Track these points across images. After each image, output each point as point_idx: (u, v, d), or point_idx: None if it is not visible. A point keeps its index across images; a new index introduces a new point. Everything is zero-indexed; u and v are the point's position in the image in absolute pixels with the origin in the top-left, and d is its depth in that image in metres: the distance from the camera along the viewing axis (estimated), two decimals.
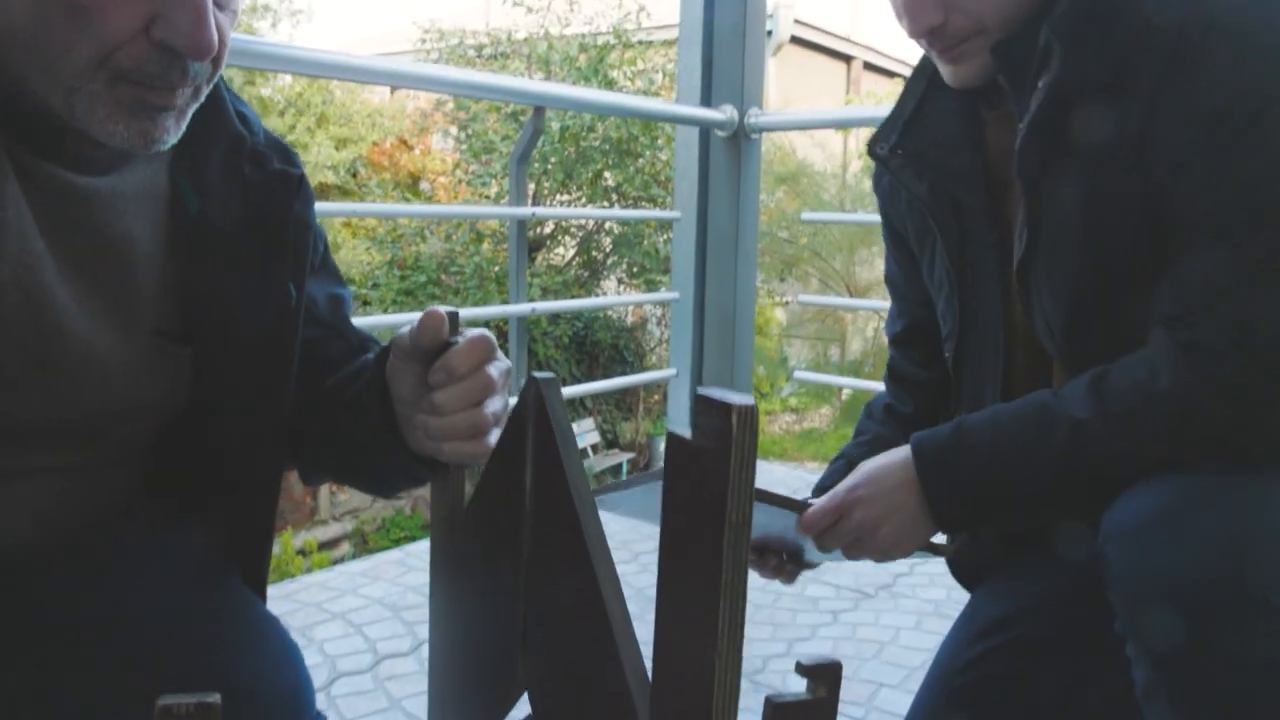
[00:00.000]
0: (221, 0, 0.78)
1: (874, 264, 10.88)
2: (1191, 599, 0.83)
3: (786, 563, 1.13)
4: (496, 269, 9.50)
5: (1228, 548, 0.83)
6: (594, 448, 12.20)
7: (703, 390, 0.49)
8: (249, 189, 0.91)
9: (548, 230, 10.13)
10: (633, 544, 2.38)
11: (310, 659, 1.71)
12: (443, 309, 0.81)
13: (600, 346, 11.79)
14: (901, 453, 1.01)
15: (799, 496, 1.05)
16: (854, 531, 1.01)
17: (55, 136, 0.79)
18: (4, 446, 0.82)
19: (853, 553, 1.03)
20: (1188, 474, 0.87)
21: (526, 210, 2.48)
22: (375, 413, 0.88)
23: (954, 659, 1.24)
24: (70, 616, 0.85)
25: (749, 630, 1.91)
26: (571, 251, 10.87)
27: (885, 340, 1.34)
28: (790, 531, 1.04)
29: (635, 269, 10.51)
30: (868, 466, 1.02)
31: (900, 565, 2.27)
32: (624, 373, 12.35)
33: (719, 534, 0.49)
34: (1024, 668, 1.15)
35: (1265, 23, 0.87)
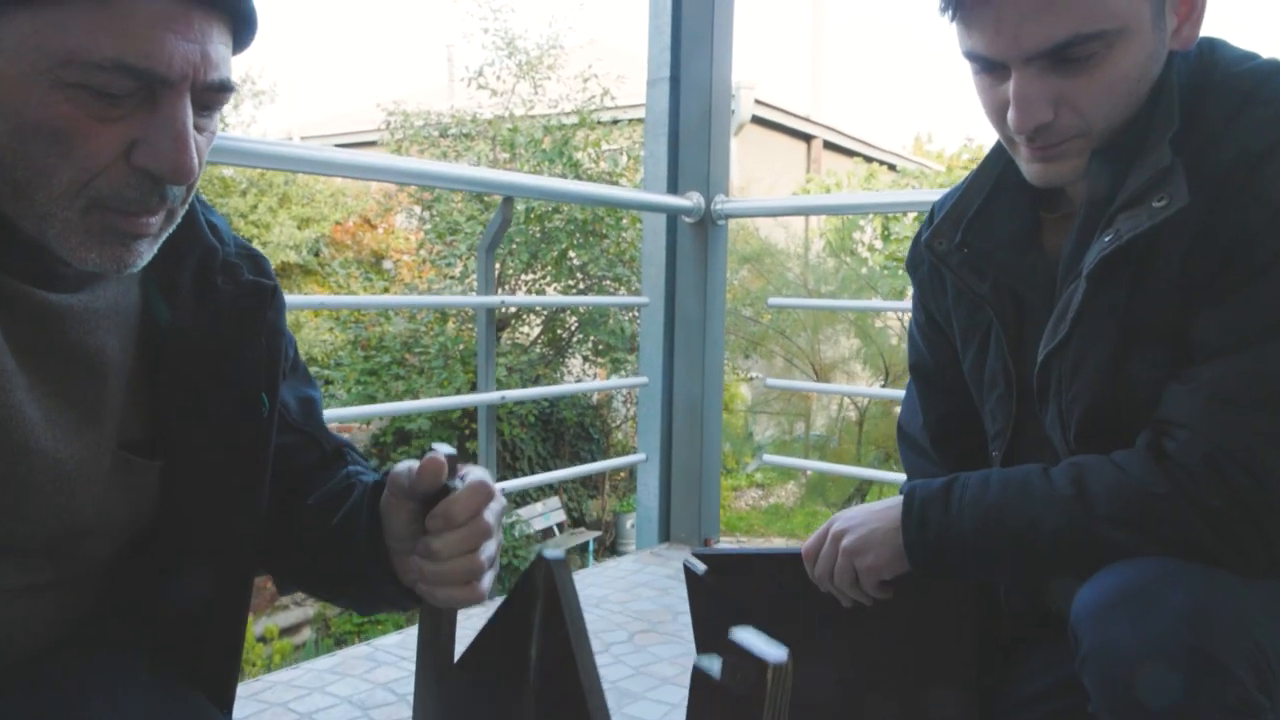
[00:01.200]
0: (200, 123, 0.79)
1: (838, 342, 10.99)
2: (1159, 673, 0.85)
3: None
4: (461, 348, 9.50)
5: (1193, 622, 0.86)
6: (560, 526, 12.11)
7: (737, 633, 0.48)
8: (221, 300, 0.91)
9: (512, 310, 10.17)
10: (603, 634, 2.36)
11: None
12: (441, 451, 0.82)
13: (566, 425, 11.75)
14: (892, 499, 1.07)
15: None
16: (839, 555, 1.07)
17: (27, 255, 0.79)
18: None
19: (840, 577, 1.08)
20: (1148, 560, 0.91)
21: (495, 299, 2.50)
22: (365, 546, 0.89)
23: None
24: None
25: None
26: (537, 329, 10.92)
27: (900, 433, 1.34)
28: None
29: (601, 347, 10.56)
30: (862, 505, 1.09)
31: None
32: (590, 450, 12.31)
33: None
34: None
35: None
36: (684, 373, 3.10)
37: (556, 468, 11.15)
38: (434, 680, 0.84)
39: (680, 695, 2.02)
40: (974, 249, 1.12)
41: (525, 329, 10.76)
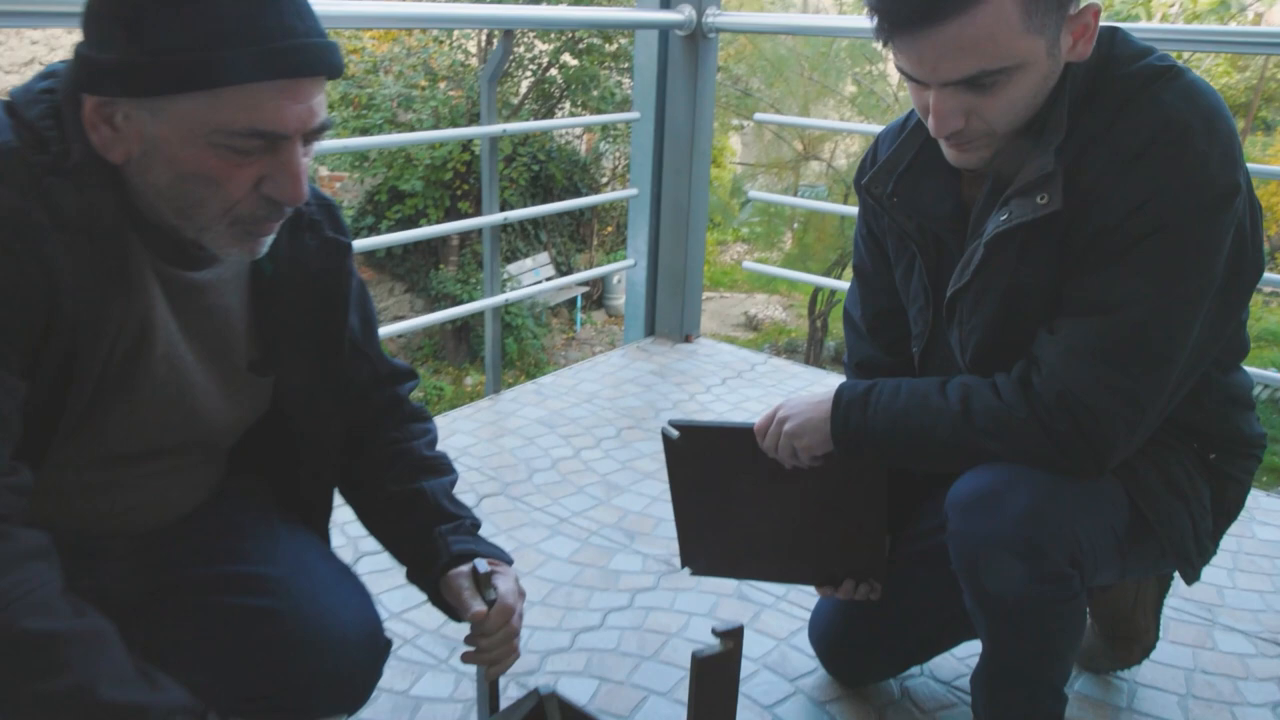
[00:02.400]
0: (305, 151, 1.01)
1: (827, 116, 10.90)
2: (998, 555, 1.20)
3: (859, 588, 1.51)
4: (450, 110, 9.44)
5: (1027, 519, 1.18)
6: (548, 279, 12.45)
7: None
8: (309, 255, 1.18)
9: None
10: (594, 429, 2.71)
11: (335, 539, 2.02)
12: (481, 568, 1.19)
13: (554, 182, 11.85)
14: (827, 392, 1.35)
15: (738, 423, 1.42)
16: (781, 435, 1.37)
17: (178, 249, 1.06)
18: (156, 459, 1.14)
19: (783, 453, 1.38)
20: (1006, 466, 1.21)
21: (497, 128, 2.66)
22: (416, 573, 1.27)
23: None
24: (199, 574, 1.18)
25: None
26: (525, 85, 10.78)
27: (846, 316, 1.61)
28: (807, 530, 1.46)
29: (592, 111, 10.48)
30: (802, 394, 1.39)
31: None
32: (578, 209, 12.48)
33: None
34: (916, 565, 1.52)
35: (1182, 165, 1.12)
36: (671, 183, 3.29)
37: (545, 223, 11.36)
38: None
39: (661, 488, 2.38)
40: (903, 198, 1.35)
41: (511, 86, 10.62)
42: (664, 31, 3.12)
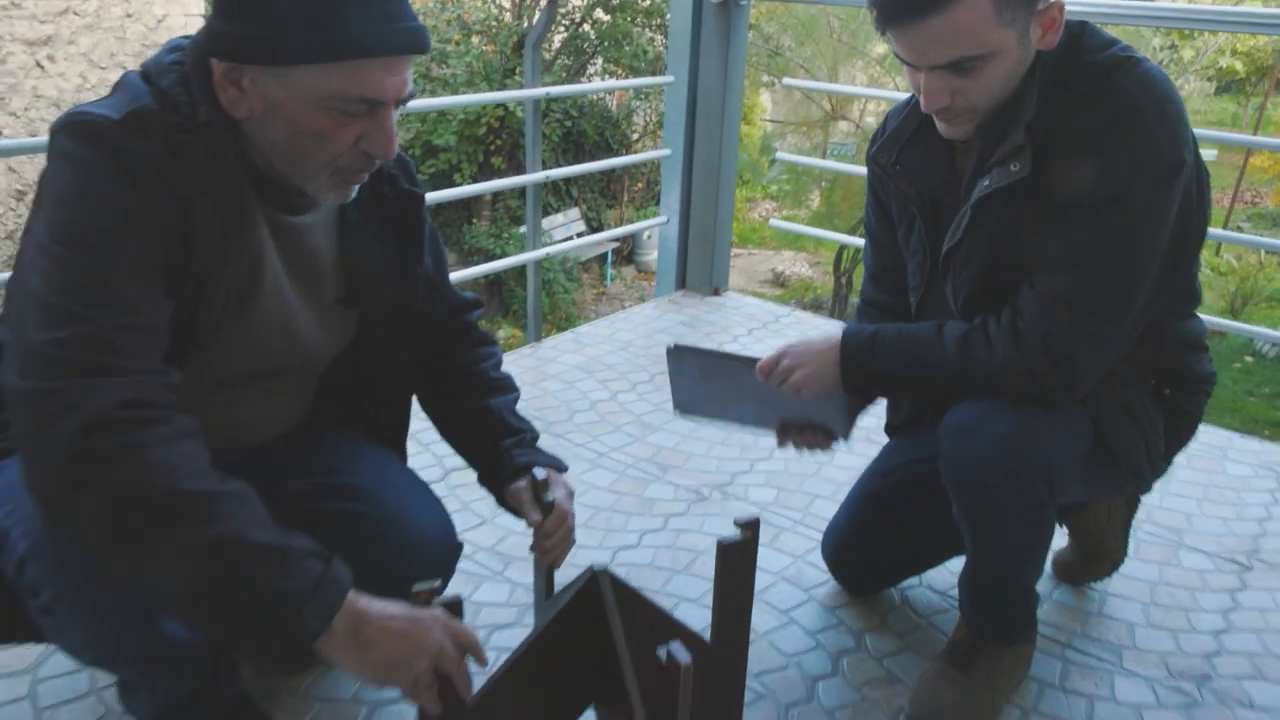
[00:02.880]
0: (397, 112, 1.22)
1: (854, 79, 10.94)
2: (981, 476, 1.43)
3: (820, 439, 1.65)
4: (484, 65, 9.59)
5: (1006, 446, 1.41)
6: (580, 235, 12.61)
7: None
8: (387, 205, 1.39)
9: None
10: (629, 374, 2.95)
11: (424, 458, 2.26)
12: (535, 481, 1.41)
13: (586, 138, 12.00)
14: (834, 334, 1.55)
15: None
16: (786, 372, 1.55)
17: (284, 196, 1.27)
18: (261, 381, 1.36)
19: (786, 388, 1.56)
20: (993, 401, 1.44)
21: (540, 90, 2.88)
22: (486, 479, 1.50)
23: (871, 480, 1.88)
24: (296, 484, 1.41)
25: (724, 450, 2.49)
26: (557, 41, 10.90)
27: (865, 266, 1.84)
28: (782, 400, 1.59)
29: (626, 74, 10.59)
30: (809, 336, 1.58)
31: None
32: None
33: None
34: (914, 489, 1.76)
35: (1138, 144, 1.33)
36: (703, 143, 3.50)
37: (577, 181, 11.52)
38: (542, 604, 1.45)
39: (691, 427, 2.63)
40: (905, 167, 1.57)
41: (544, 41, 10.75)
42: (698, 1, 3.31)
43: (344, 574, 1.11)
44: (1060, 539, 2.02)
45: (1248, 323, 10.48)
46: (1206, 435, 2.74)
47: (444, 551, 1.48)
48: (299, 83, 1.13)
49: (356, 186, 1.26)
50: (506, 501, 1.48)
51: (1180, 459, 2.54)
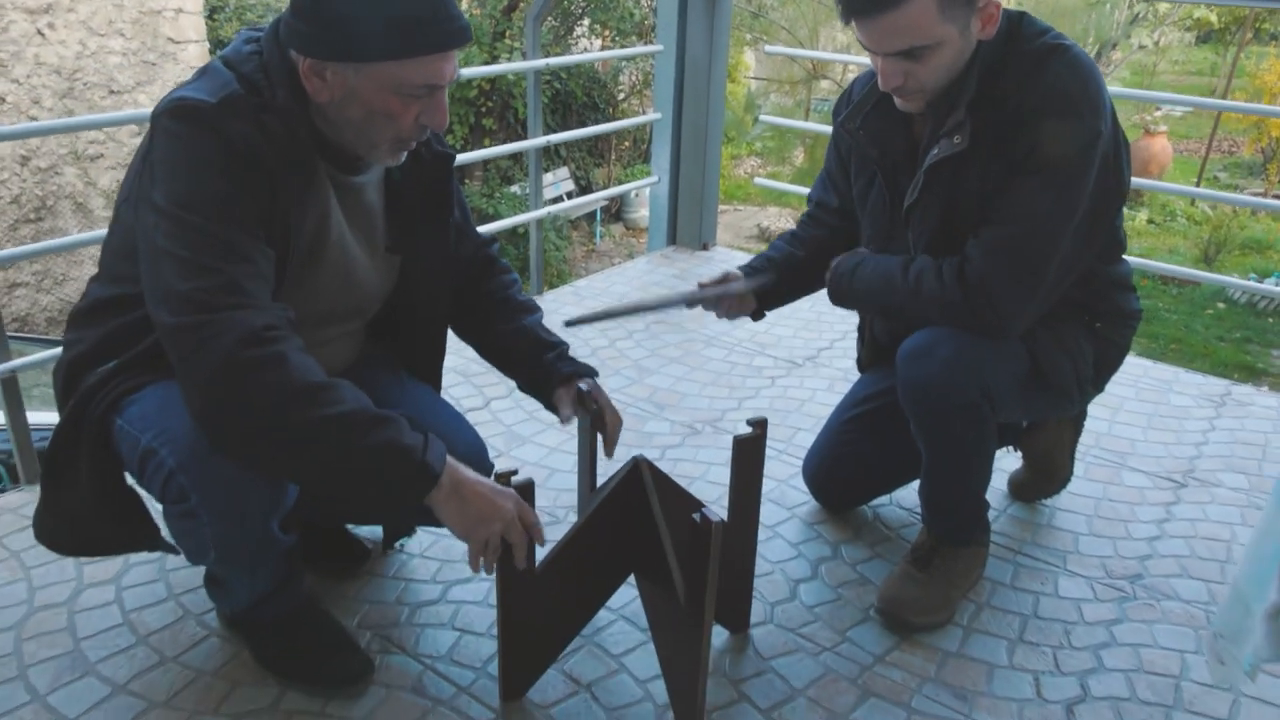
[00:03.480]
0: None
1: (835, 38, 11.07)
2: (929, 392, 1.67)
3: (739, 305, 1.94)
4: (475, 29, 9.67)
5: (949, 366, 1.65)
6: (569, 195, 12.71)
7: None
8: (425, 164, 1.61)
9: None
10: (626, 323, 3.17)
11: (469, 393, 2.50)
12: (581, 392, 1.66)
13: (574, 98, 12.11)
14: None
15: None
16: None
17: (345, 159, 1.49)
18: (328, 325, 1.59)
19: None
20: (942, 329, 1.67)
21: (540, 62, 3.07)
22: (529, 389, 1.74)
23: (844, 410, 2.12)
24: None
25: (714, 390, 2.72)
26: None
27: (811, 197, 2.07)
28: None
29: (612, 34, 10.68)
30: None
31: (822, 341, 3.09)
32: (596, 119, 12.71)
33: None
34: (883, 418, 2.00)
35: (1064, 119, 1.56)
36: (691, 107, 3.69)
37: (567, 141, 11.71)
38: (586, 493, 1.71)
39: (684, 370, 2.85)
40: (868, 132, 1.78)
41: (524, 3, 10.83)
42: None
43: (439, 439, 1.37)
44: (1015, 461, 2.27)
45: (1220, 271, 10.76)
46: (1156, 370, 2.98)
47: (479, 470, 1.71)
48: (375, 75, 1.36)
49: (408, 151, 1.49)
50: (553, 404, 1.72)
51: (1129, 391, 2.81)
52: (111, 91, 7.67)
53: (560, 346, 1.75)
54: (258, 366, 1.25)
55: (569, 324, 1.80)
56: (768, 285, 1.93)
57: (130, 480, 1.49)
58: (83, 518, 1.46)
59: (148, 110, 1.68)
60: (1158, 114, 15.37)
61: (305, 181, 1.43)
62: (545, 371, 1.71)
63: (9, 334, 2.15)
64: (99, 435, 1.41)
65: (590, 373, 1.73)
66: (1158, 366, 3.02)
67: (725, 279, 1.90)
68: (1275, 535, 1.05)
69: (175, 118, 1.32)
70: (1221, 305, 9.70)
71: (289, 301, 1.42)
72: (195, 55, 8.13)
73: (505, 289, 1.79)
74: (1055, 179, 1.58)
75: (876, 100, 1.77)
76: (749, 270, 1.97)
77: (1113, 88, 1.84)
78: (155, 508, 1.50)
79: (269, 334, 1.27)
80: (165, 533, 1.53)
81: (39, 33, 7.14)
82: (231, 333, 1.25)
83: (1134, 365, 2.99)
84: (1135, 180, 7.09)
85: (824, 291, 1.89)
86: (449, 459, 1.36)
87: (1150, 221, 12.89)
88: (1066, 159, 1.57)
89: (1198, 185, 13.86)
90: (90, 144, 7.60)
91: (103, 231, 1.66)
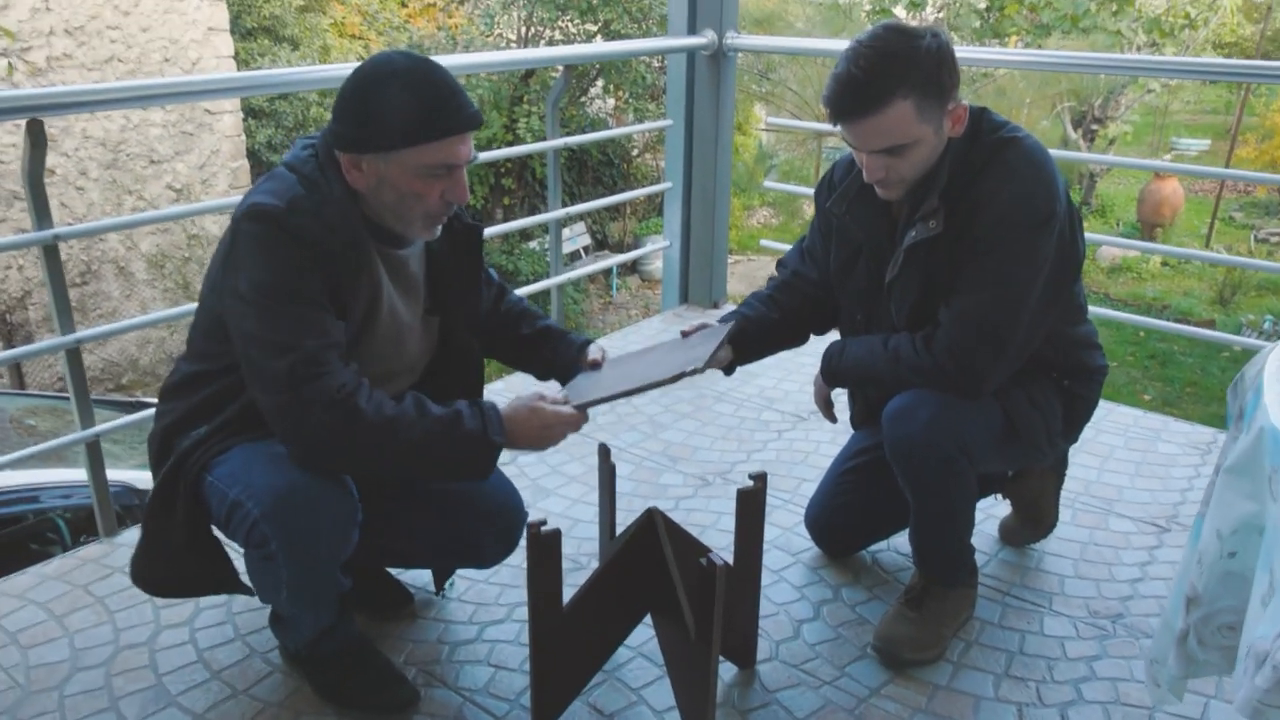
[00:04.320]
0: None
1: None
2: (911, 451, 1.87)
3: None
4: (494, 94, 10.03)
5: (929, 427, 1.84)
6: (585, 249, 13.02)
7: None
8: (458, 235, 1.84)
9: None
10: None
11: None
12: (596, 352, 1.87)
13: (589, 155, 12.48)
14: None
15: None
16: None
17: (390, 237, 1.72)
18: (385, 384, 1.77)
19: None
20: (922, 392, 1.88)
21: (560, 141, 3.33)
22: (549, 372, 1.97)
23: (841, 463, 2.32)
24: None
25: (724, 444, 2.92)
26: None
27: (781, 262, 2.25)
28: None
29: (624, 96, 11.04)
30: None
31: None
32: (611, 175, 13.06)
33: None
34: (877, 470, 2.18)
35: (1020, 201, 1.78)
36: (699, 177, 3.93)
37: (582, 194, 12.03)
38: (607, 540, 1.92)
39: (697, 425, 3.06)
40: (853, 216, 2.00)
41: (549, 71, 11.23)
42: (691, 53, 3.75)
43: (489, 403, 1.69)
44: (1005, 508, 2.46)
45: (1236, 313, 10.91)
46: (1146, 420, 3.16)
47: (516, 518, 1.94)
48: (400, 161, 1.60)
49: (440, 226, 1.73)
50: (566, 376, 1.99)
51: (1118, 440, 3.00)
52: (152, 161, 8.06)
53: (569, 331, 2.06)
54: (343, 427, 1.55)
55: (577, 407, 1.88)
56: (747, 352, 2.13)
57: (215, 530, 1.71)
58: (175, 562, 1.69)
59: (228, 200, 1.95)
60: (1168, 156, 15.60)
61: (359, 260, 1.65)
62: (567, 342, 2.01)
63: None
64: (193, 490, 1.64)
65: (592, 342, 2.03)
66: (1148, 416, 3.20)
67: (704, 331, 2.05)
68: (1188, 569, 1.23)
69: (252, 220, 1.57)
70: (1238, 348, 9.84)
71: (352, 364, 1.64)
72: (230, 125, 8.51)
73: (517, 303, 2.06)
74: (1015, 253, 1.78)
75: (860, 188, 1.99)
76: (728, 321, 2.11)
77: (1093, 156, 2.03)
78: (234, 554, 1.72)
79: (342, 395, 1.55)
80: (243, 576, 1.75)
81: None
82: (316, 403, 1.54)
83: (1124, 415, 3.17)
84: (1140, 244, 7.31)
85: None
86: (502, 416, 1.67)
87: (1164, 264, 13.07)
88: (1024, 234, 1.78)
89: (1210, 228, 14.06)
90: (131, 211, 7.96)
91: (164, 311, 1.90)
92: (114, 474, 2.66)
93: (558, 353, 2.00)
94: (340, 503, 1.62)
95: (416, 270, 1.81)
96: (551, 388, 1.88)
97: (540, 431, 1.70)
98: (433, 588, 2.14)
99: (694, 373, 1.73)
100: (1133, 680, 1.98)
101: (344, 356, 1.61)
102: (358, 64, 1.64)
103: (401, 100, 1.56)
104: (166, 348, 8.65)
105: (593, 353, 1.97)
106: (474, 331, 1.93)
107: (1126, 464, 2.88)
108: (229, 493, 1.61)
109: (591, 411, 1.93)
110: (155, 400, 1.83)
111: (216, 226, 8.40)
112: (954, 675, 1.99)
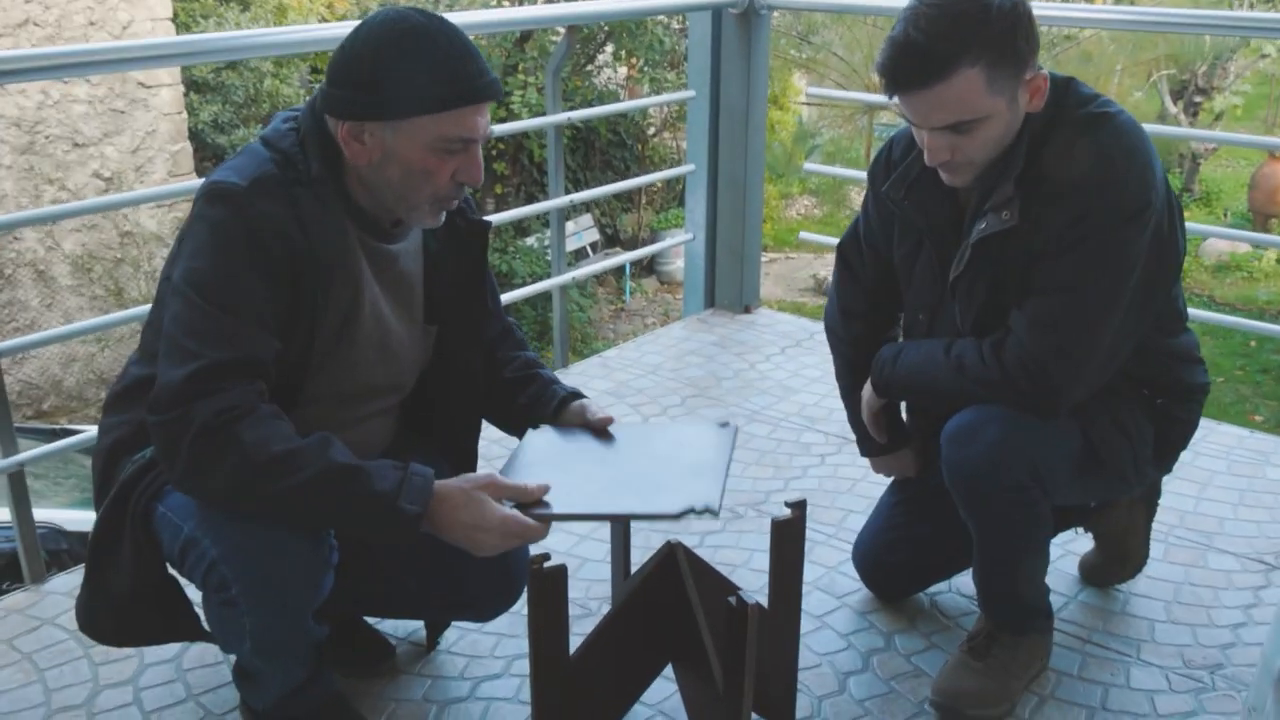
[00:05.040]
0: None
1: None
2: (976, 474, 1.92)
3: None
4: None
5: (997, 448, 1.90)
6: (593, 246, 12.98)
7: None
8: (460, 234, 1.90)
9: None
10: (660, 399, 3.43)
11: None
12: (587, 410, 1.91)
13: (597, 134, 12.54)
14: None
15: None
16: None
17: (378, 226, 1.77)
18: (366, 401, 1.85)
19: None
20: (988, 408, 1.93)
21: (562, 116, 3.41)
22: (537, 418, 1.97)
23: (895, 492, 2.41)
24: None
25: (758, 470, 2.98)
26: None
27: (839, 249, 2.32)
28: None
29: (638, 69, 11.10)
30: None
31: None
32: (624, 158, 13.09)
33: None
34: (937, 498, 2.22)
35: (1109, 190, 1.82)
36: (728, 158, 4.00)
37: (589, 180, 12.08)
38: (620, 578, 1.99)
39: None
40: (914, 202, 2.05)
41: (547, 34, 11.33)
42: (717, 11, 3.82)
43: (423, 470, 1.61)
44: (1086, 543, 2.50)
45: None
46: (1252, 441, 3.20)
47: (518, 564, 1.96)
48: (412, 131, 1.65)
49: (445, 213, 1.78)
50: (563, 417, 1.97)
51: (1220, 465, 3.05)
52: (76, 145, 8.18)
53: (554, 381, 2.05)
54: (216, 458, 1.53)
55: (538, 518, 1.75)
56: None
57: (169, 568, 1.77)
58: (126, 605, 1.73)
59: (167, 188, 2.00)
60: None
61: (337, 253, 1.71)
62: (554, 393, 1.99)
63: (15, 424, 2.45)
64: (141, 522, 1.69)
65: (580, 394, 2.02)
66: (1254, 436, 3.24)
67: (707, 442, 2.01)
68: None
69: (209, 201, 1.64)
70: None
71: (325, 376, 1.70)
72: (168, 101, 8.63)
73: (522, 350, 2.07)
74: (1102, 250, 1.83)
75: (921, 168, 2.02)
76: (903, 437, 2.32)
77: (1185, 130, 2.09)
78: (194, 595, 1.78)
79: (222, 416, 1.53)
80: (204, 621, 1.80)
81: None
82: (195, 423, 1.52)
83: (1228, 435, 3.22)
84: (1252, 235, 7.24)
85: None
86: (434, 490, 1.59)
87: None
88: (1114, 229, 1.83)
89: None
90: (51, 203, 8.03)
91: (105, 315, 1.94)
92: (40, 513, 2.72)
93: (533, 406, 1.99)
94: (311, 542, 1.64)
95: (410, 269, 1.86)
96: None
97: (468, 531, 1.61)
98: (415, 636, 2.21)
99: (705, 513, 1.67)
100: None
101: (262, 376, 1.62)
102: (353, 23, 1.67)
103: (418, 62, 1.60)
104: (96, 366, 8.73)
105: (590, 412, 1.94)
106: (477, 350, 1.97)
107: (1229, 492, 2.92)
108: (183, 526, 1.65)
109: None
110: (82, 427, 1.88)
111: (153, 221, 8.52)
112: None
